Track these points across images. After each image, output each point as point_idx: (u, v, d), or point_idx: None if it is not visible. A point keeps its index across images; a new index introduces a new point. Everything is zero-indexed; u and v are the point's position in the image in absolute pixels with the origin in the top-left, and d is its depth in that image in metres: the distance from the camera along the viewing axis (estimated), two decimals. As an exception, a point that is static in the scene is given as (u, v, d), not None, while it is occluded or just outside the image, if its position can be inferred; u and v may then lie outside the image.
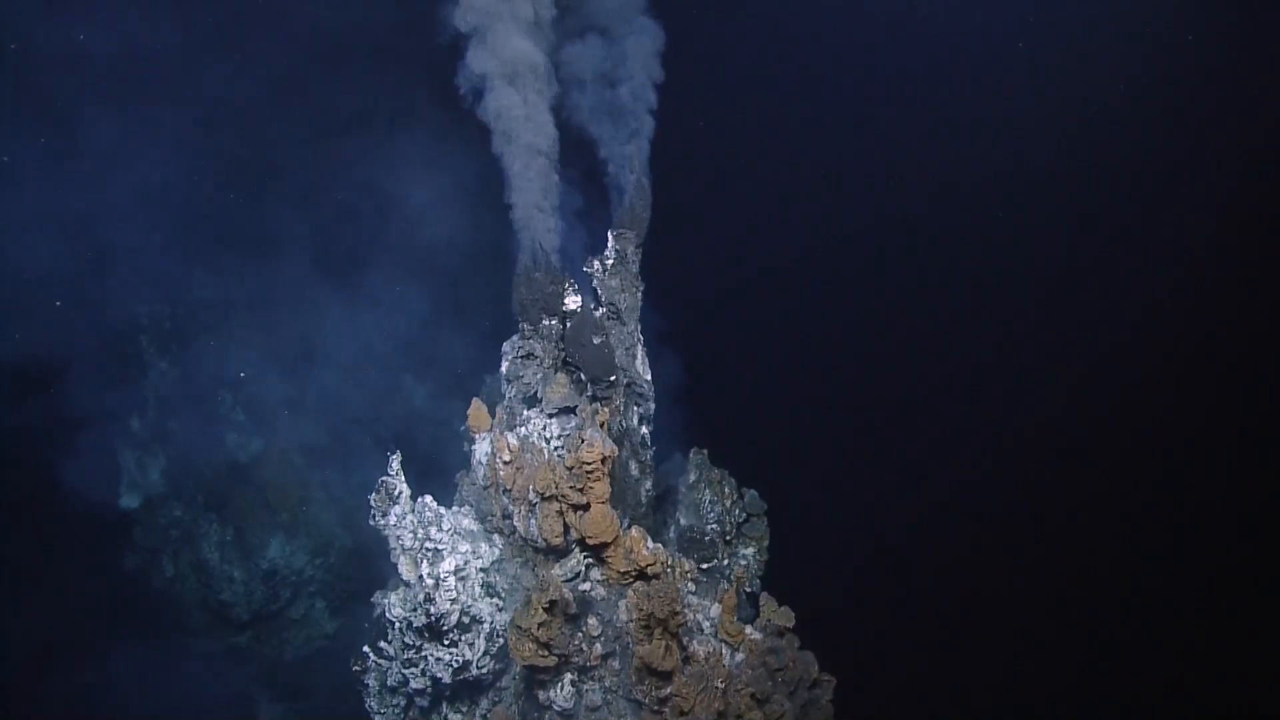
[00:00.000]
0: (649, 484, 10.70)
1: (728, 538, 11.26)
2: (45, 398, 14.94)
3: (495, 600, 9.67)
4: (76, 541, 15.99)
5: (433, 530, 9.46)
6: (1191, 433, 22.30)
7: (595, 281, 10.01)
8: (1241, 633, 21.74)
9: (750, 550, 11.56)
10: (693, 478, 11.48)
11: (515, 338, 9.97)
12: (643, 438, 10.59)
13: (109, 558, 16.07)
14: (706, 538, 10.76)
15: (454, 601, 9.20)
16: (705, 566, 10.66)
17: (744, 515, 11.51)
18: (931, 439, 21.92)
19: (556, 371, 9.74)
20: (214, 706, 16.24)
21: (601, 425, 9.15)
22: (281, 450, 16.70)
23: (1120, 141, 21.84)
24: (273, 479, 16.46)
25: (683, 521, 11.28)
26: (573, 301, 9.59)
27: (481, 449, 9.97)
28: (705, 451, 11.65)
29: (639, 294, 10.14)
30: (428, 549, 9.37)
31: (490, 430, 9.90)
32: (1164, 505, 22.55)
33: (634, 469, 10.48)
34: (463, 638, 9.38)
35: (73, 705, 14.13)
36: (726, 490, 11.47)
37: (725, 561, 11.25)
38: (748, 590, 11.29)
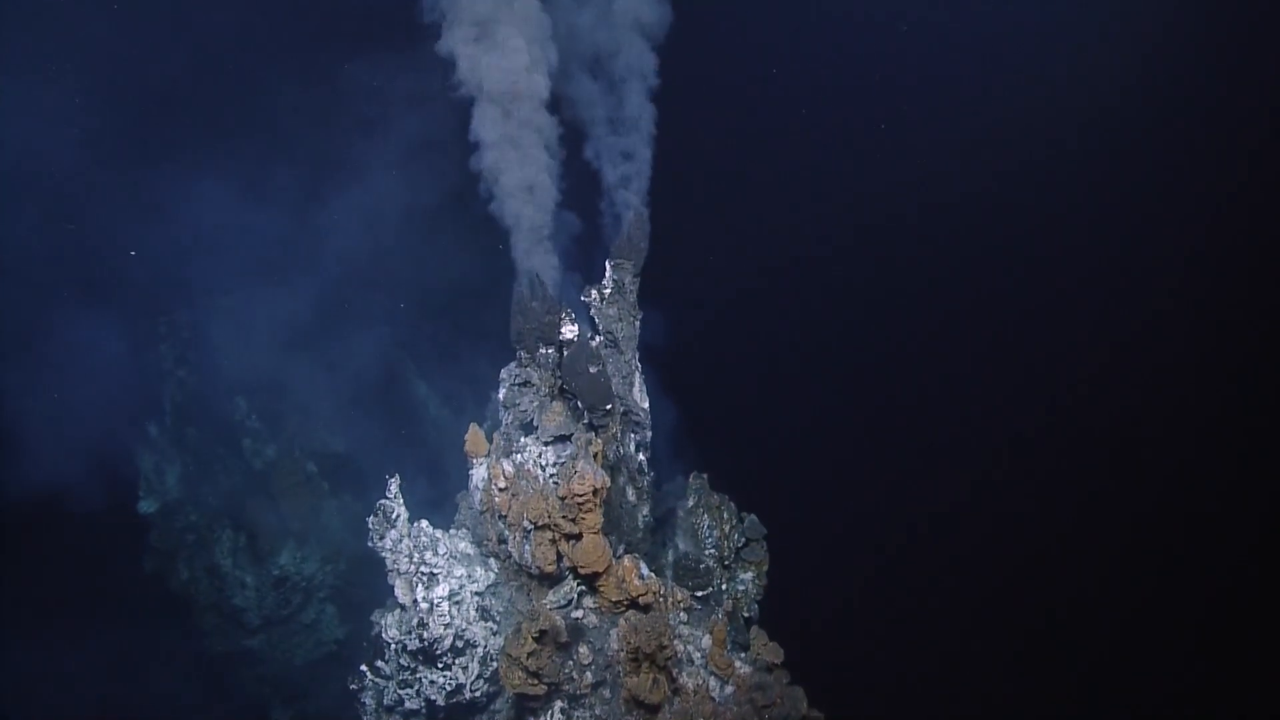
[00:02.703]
0: (646, 510, 10.73)
1: (726, 563, 11.26)
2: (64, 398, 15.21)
3: (489, 624, 9.78)
4: (94, 544, 16.41)
5: (428, 554, 9.58)
6: (1191, 440, 21.84)
7: (593, 310, 10.03)
8: (1241, 640, 21.37)
9: (749, 575, 11.54)
10: (692, 502, 11.49)
11: (512, 365, 10.04)
12: (640, 464, 10.62)
13: (127, 561, 16.46)
14: (702, 565, 10.76)
15: (447, 626, 9.31)
16: (700, 594, 10.65)
17: (743, 540, 11.49)
18: (937, 466, 21.68)
19: (553, 400, 9.79)
20: (226, 709, 16.63)
21: (595, 455, 9.20)
22: (294, 457, 16.97)
23: (1122, 144, 21.45)
24: (286, 486, 16.77)
25: (681, 546, 11.29)
26: (569, 331, 9.62)
27: (479, 474, 10.06)
28: (705, 476, 11.64)
29: (636, 323, 10.16)
30: (423, 573, 9.50)
31: (487, 456, 9.98)
32: (1166, 516, 22.16)
33: (631, 495, 10.51)
34: (456, 661, 9.50)
35: (85, 705, 14.53)
36: (726, 515, 11.47)
37: (724, 587, 11.25)
38: (745, 615, 11.30)
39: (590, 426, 9.80)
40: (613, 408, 9.84)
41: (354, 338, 16.68)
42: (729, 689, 9.24)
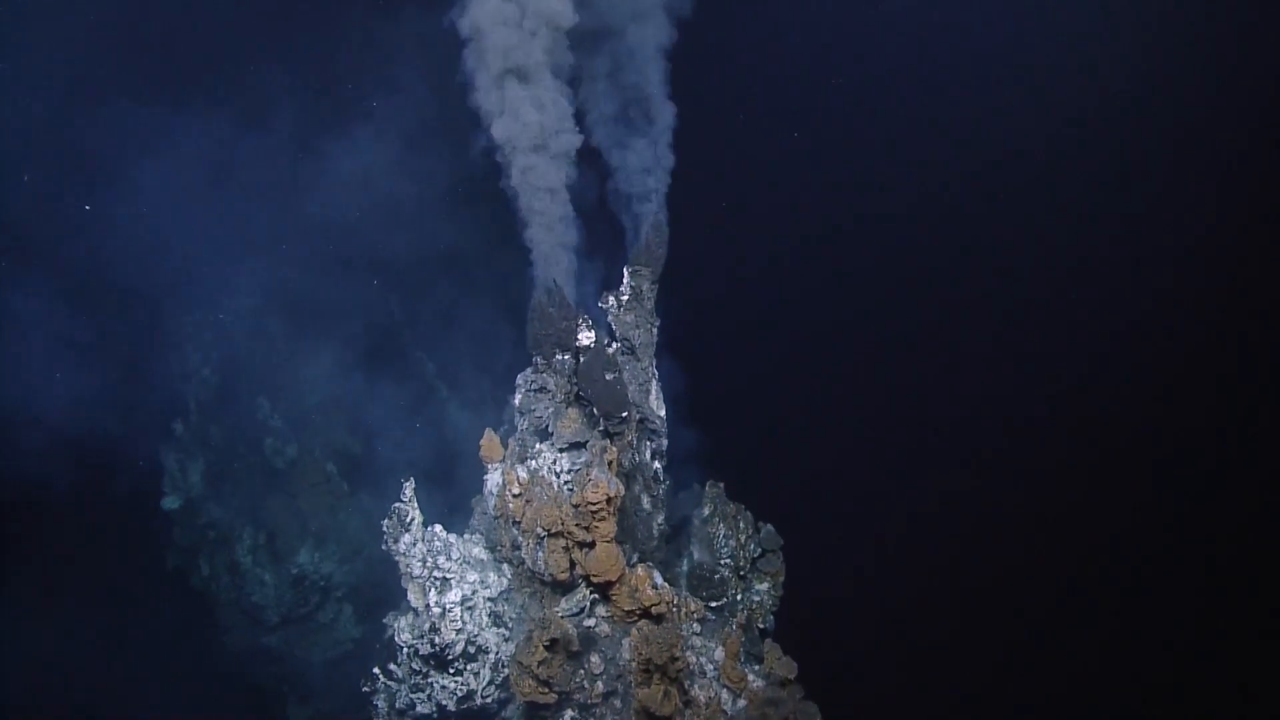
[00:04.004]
0: (661, 518, 10.63)
1: (742, 573, 11.14)
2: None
3: (502, 630, 9.75)
4: (118, 540, 16.66)
5: (441, 559, 9.58)
6: (1193, 437, 21.36)
7: (610, 317, 9.98)
8: (1242, 640, 20.93)
9: (765, 586, 11.39)
10: (707, 511, 11.37)
11: (528, 371, 10.01)
12: (655, 472, 10.53)
13: (150, 557, 16.70)
14: (717, 575, 10.65)
15: (459, 632, 9.31)
16: (715, 605, 10.54)
17: (759, 550, 11.36)
18: (960, 476, 21.32)
19: (568, 406, 9.75)
20: (244, 705, 16.81)
21: (610, 464, 9.13)
22: (315, 457, 17.12)
23: (1134, 146, 21.09)
24: (306, 486, 16.91)
25: (695, 556, 11.18)
26: (586, 337, 9.57)
27: (493, 479, 10.04)
28: (721, 485, 11.52)
29: (654, 330, 10.09)
30: (436, 578, 9.51)
31: (502, 461, 9.96)
32: (1170, 510, 21.71)
33: (646, 503, 10.43)
34: (468, 667, 9.50)
35: (107, 700, 14.76)
36: (742, 525, 11.33)
37: (739, 597, 11.12)
38: (760, 626, 11.16)
39: (606, 434, 9.74)
40: (628, 415, 9.77)
41: (368, 329, 16.57)
42: (741, 703, 9.13)
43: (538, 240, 9.38)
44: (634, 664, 8.91)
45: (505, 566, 9.93)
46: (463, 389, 17.84)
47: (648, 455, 10.43)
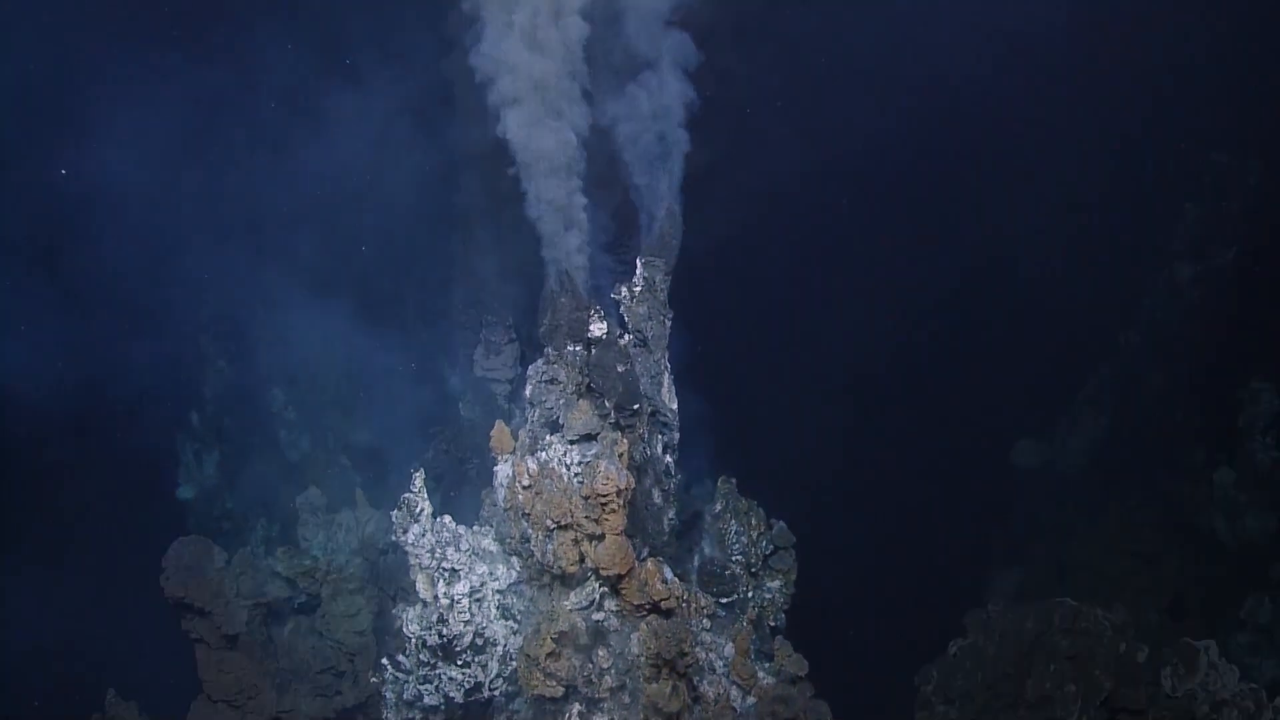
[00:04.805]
0: (672, 512, 10.56)
1: (753, 570, 11.05)
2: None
3: (510, 623, 9.72)
4: (129, 530, 16.76)
5: (450, 550, 9.56)
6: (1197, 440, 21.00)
7: (623, 308, 9.90)
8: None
9: (776, 584, 11.29)
10: (719, 507, 11.29)
11: (540, 362, 9.96)
12: (667, 466, 10.46)
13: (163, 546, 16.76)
14: (728, 571, 10.55)
15: (468, 623, 9.28)
16: (725, 601, 10.44)
17: (771, 547, 11.26)
18: (976, 476, 21.06)
19: (579, 398, 9.68)
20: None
21: (620, 456, 9.05)
22: (328, 449, 17.11)
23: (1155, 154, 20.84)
24: (319, 478, 16.90)
25: (706, 551, 11.10)
26: (598, 328, 9.50)
27: (503, 471, 9.99)
28: (734, 480, 11.42)
29: (667, 322, 10.01)
30: (445, 569, 9.48)
31: (512, 453, 9.90)
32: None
33: (657, 497, 10.35)
34: (476, 659, 9.48)
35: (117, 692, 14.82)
36: (754, 521, 11.24)
37: (750, 594, 11.03)
38: (771, 624, 11.07)
39: (617, 426, 9.67)
40: (640, 407, 9.70)
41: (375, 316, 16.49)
42: (750, 700, 9.03)
43: (549, 230, 9.32)
44: (643, 659, 8.84)
45: (514, 559, 9.87)
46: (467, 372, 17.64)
47: (659, 448, 10.36)
